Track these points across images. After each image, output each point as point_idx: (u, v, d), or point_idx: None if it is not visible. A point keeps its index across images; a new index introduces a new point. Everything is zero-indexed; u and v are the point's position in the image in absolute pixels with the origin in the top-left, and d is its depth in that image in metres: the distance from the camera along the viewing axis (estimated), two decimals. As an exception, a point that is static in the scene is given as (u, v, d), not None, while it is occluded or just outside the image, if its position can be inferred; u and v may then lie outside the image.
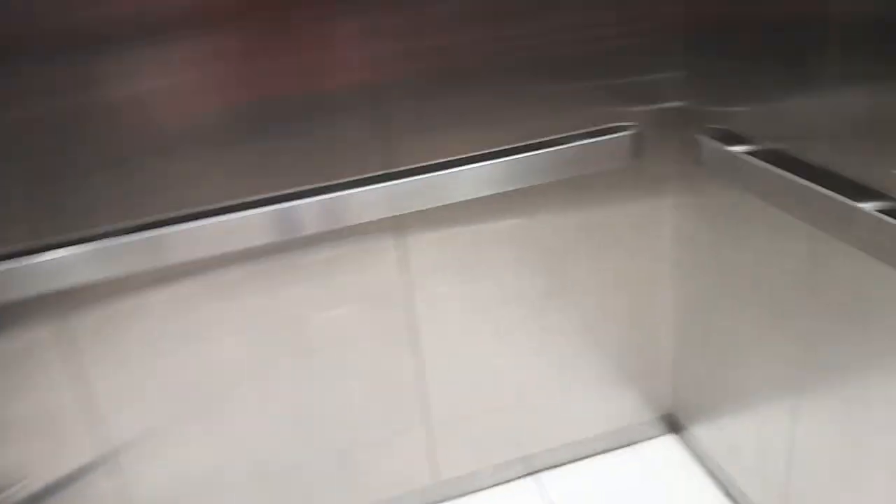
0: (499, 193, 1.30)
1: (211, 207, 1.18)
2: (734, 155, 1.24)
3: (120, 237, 1.15)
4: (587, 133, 1.32)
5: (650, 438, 1.70)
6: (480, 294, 1.41)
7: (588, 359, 1.55)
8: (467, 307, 1.41)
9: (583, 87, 1.30)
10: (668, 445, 1.68)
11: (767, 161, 1.16)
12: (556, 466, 1.65)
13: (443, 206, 1.28)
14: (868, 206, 0.96)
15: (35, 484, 1.28)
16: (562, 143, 1.30)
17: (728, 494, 1.52)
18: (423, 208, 1.27)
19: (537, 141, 1.30)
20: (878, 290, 1.00)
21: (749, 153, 1.21)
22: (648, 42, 1.30)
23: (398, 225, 1.30)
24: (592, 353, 1.55)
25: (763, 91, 1.16)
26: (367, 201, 1.23)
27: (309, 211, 1.20)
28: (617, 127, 1.34)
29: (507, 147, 1.29)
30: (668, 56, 1.32)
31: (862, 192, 0.97)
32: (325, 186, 1.22)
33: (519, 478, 1.64)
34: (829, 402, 1.15)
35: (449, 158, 1.26)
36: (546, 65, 1.26)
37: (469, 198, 1.28)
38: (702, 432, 1.59)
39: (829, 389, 1.14)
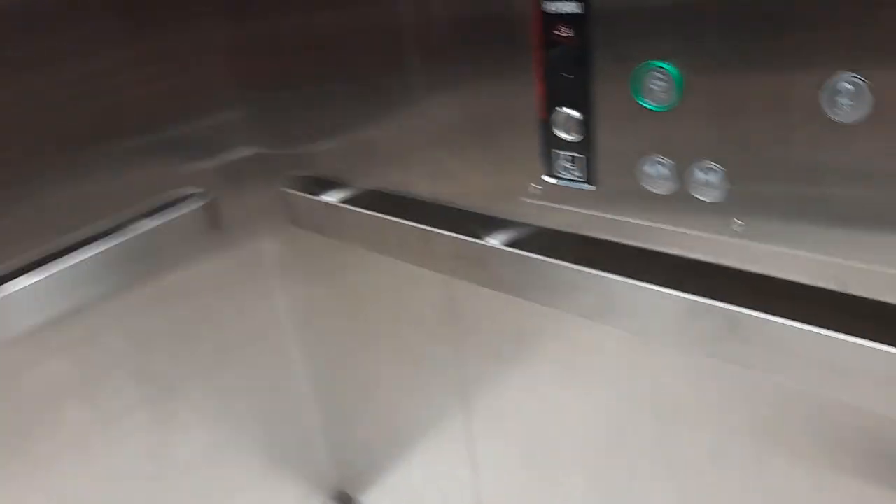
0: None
1: None
2: (326, 206, 1.05)
3: None
4: (144, 213, 1.00)
5: (325, 529, 1.47)
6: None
7: (231, 465, 1.25)
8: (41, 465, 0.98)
9: (117, 151, 0.95)
10: (343, 531, 1.46)
11: (369, 207, 0.99)
12: None
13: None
14: (493, 241, 0.85)
15: None
16: (113, 234, 0.94)
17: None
18: None
19: (71, 242, 0.92)
20: (521, 322, 0.91)
21: (345, 201, 1.03)
22: (187, 79, 1.02)
23: None
24: (233, 457, 1.25)
25: (344, 123, 0.97)
26: None
27: None
28: (183, 197, 1.04)
29: (28, 262, 0.88)
30: (214, 93, 1.05)
31: (486, 223, 0.85)
32: None
33: None
34: (499, 434, 1.06)
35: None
36: (57, 129, 0.89)
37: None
38: (378, 499, 1.41)
39: (494, 423, 1.05)
